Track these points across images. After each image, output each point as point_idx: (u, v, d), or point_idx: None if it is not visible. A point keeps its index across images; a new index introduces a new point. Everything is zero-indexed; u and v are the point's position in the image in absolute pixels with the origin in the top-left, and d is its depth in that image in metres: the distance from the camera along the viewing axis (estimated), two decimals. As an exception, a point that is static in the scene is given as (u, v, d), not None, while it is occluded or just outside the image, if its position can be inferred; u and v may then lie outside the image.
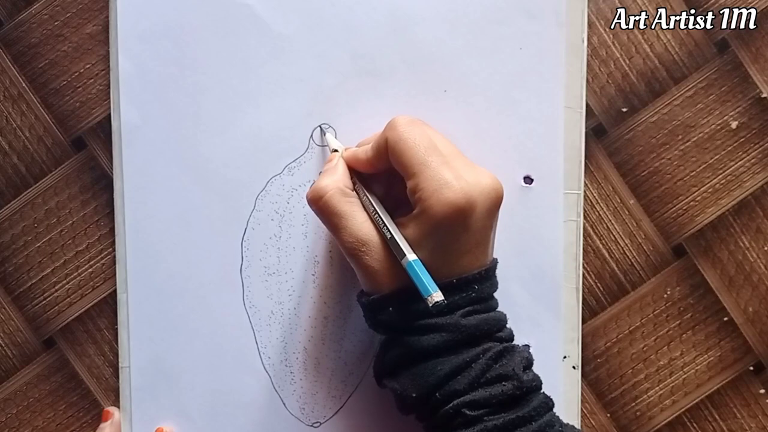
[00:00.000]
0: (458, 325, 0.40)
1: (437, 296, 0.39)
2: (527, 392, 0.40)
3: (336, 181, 0.43)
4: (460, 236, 0.40)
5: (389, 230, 0.41)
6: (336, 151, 0.46)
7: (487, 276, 0.42)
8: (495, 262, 0.43)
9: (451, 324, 0.40)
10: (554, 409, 0.41)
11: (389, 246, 0.41)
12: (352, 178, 0.44)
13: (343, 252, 0.43)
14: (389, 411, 0.45)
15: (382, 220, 0.41)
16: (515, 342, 0.43)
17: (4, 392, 0.52)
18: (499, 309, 0.43)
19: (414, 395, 0.40)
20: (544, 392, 0.41)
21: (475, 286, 0.41)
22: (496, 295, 0.43)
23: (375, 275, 0.41)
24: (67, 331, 0.51)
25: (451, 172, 0.40)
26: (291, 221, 0.49)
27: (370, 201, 0.43)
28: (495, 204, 0.41)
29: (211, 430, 0.50)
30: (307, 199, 0.43)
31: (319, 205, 0.42)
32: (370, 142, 0.44)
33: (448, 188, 0.39)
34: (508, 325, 0.43)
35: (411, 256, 0.40)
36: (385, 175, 0.44)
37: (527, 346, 0.43)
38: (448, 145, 0.42)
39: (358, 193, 0.43)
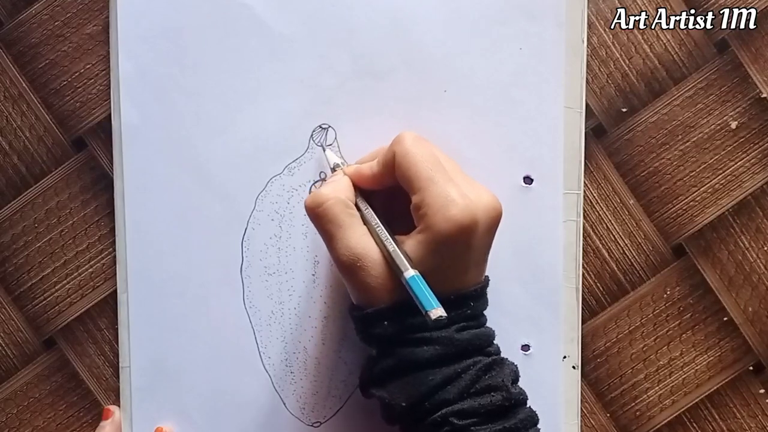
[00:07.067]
0: (452, 339, 0.40)
1: (439, 312, 0.38)
2: (515, 405, 0.40)
3: (338, 191, 0.42)
4: (462, 254, 0.40)
5: (392, 244, 0.41)
6: (338, 166, 0.46)
7: (482, 293, 0.43)
8: (487, 279, 0.44)
9: (445, 338, 0.40)
10: (539, 425, 0.41)
11: (387, 261, 0.41)
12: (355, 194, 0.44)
13: (335, 265, 0.42)
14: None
15: (385, 233, 0.41)
16: (504, 355, 0.43)
17: (4, 392, 0.52)
18: (497, 310, 0.43)
19: (403, 404, 0.40)
20: (530, 407, 0.41)
21: (471, 303, 0.41)
22: (493, 302, 0.43)
23: (370, 291, 0.41)
24: (68, 331, 0.51)
25: (456, 190, 0.40)
26: (291, 221, 0.49)
27: (373, 215, 0.42)
28: (495, 222, 0.42)
29: (211, 430, 0.50)
30: (305, 205, 0.42)
31: (318, 212, 0.41)
32: (368, 160, 0.44)
33: (454, 206, 0.39)
34: (495, 341, 0.43)
35: (413, 271, 0.39)
36: (384, 193, 0.44)
37: (514, 363, 0.43)
38: (451, 162, 0.43)
39: (359, 208, 0.43)
